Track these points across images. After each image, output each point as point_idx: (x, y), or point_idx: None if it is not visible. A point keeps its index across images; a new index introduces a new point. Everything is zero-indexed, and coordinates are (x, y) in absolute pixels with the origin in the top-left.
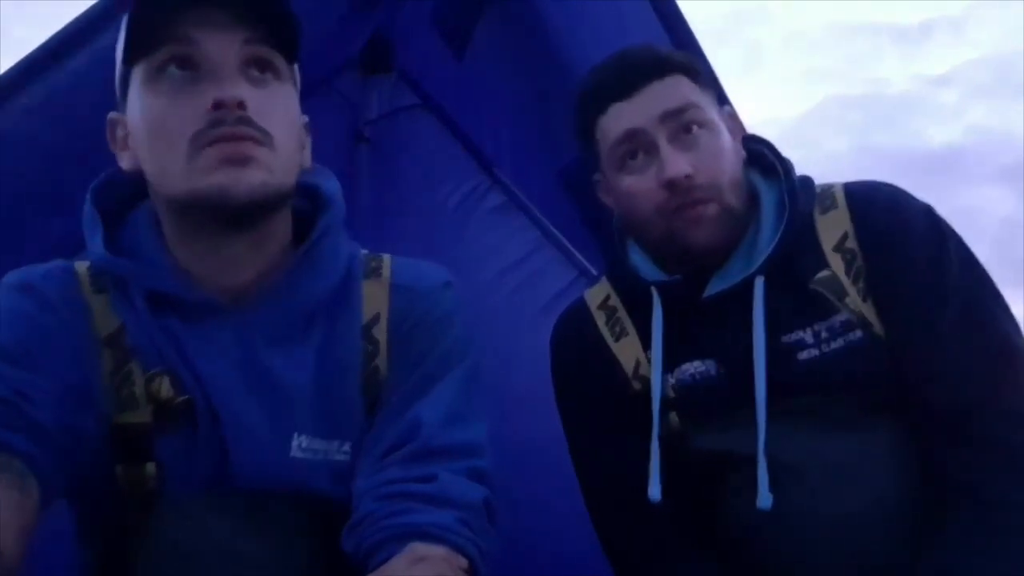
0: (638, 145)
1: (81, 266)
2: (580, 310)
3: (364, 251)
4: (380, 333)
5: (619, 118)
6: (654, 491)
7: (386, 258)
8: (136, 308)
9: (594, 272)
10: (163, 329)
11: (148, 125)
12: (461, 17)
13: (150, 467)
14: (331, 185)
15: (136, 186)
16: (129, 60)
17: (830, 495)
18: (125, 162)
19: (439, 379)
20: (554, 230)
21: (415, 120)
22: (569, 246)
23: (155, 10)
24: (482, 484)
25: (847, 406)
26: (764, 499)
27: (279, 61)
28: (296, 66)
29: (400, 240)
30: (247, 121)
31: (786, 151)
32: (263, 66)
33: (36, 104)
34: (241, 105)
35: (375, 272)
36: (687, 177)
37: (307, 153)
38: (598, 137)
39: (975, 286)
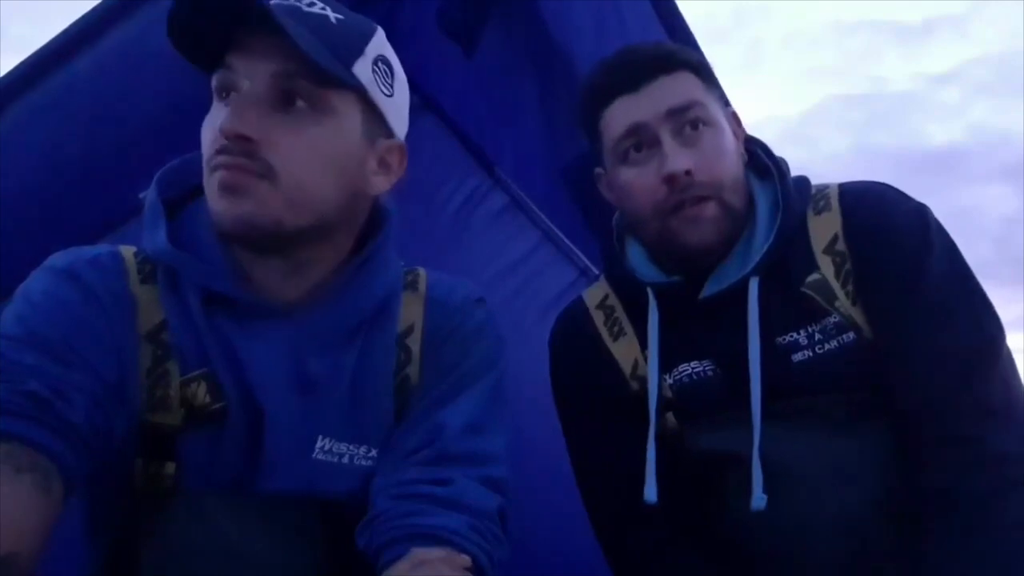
0: (641, 139)
1: (128, 252)
2: (578, 309)
3: (402, 264)
4: (414, 343)
5: (624, 111)
6: (650, 493)
7: (422, 272)
8: (185, 303)
9: (595, 271)
10: (213, 328)
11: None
12: (469, 15)
13: (169, 466)
14: (387, 201)
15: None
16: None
17: (825, 495)
18: None
19: (465, 389)
20: (556, 230)
21: (416, 120)
22: (571, 245)
23: (196, 37)
24: (497, 492)
25: (841, 407)
26: (758, 500)
27: (317, 93)
28: (384, 92)
29: (400, 241)
30: (248, 154)
31: (787, 150)
32: (293, 98)
33: (39, 106)
34: (244, 138)
35: (412, 285)
36: (687, 173)
37: (381, 179)
38: (602, 129)
39: (956, 289)
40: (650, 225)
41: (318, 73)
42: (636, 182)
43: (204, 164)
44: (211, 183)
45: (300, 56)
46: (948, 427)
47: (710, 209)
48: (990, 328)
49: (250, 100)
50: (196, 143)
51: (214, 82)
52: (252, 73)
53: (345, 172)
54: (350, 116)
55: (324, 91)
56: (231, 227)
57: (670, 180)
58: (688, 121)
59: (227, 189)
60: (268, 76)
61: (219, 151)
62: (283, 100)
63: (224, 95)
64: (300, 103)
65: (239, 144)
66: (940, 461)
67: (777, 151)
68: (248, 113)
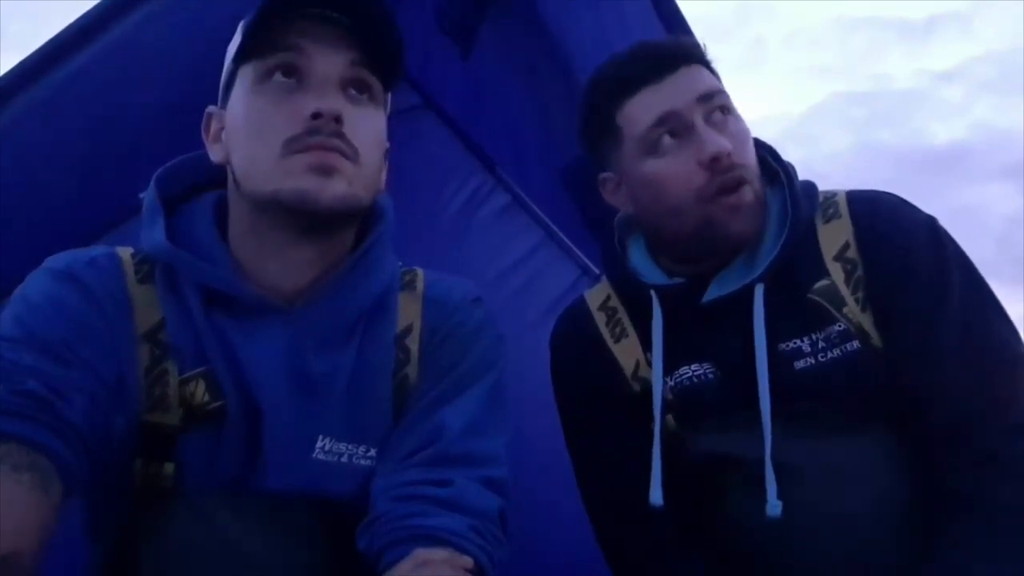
0: (673, 128)
1: (125, 253)
2: (580, 310)
3: (399, 263)
4: (412, 343)
5: (652, 101)
6: (655, 496)
7: (420, 272)
8: (183, 301)
9: (596, 271)
10: (211, 325)
11: (247, 123)
12: (466, 17)
13: (169, 467)
14: (384, 199)
15: (203, 177)
16: (239, 59)
17: (831, 498)
18: (215, 154)
19: (464, 389)
20: (557, 230)
21: (417, 121)
22: (572, 246)
23: (273, 18)
24: (497, 494)
25: (841, 414)
26: (773, 507)
27: (377, 86)
28: (390, 94)
29: (403, 241)
30: (340, 135)
31: (790, 147)
32: (362, 87)
33: (38, 105)
34: (338, 119)
35: (410, 284)
36: (729, 154)
37: (383, 176)
38: (621, 124)
39: (975, 299)
40: (689, 215)
41: (389, 66)
42: (670, 170)
43: (279, 145)
44: (297, 162)
45: (369, 48)
46: (975, 441)
47: (748, 194)
48: (1010, 338)
49: (332, 84)
50: (196, 141)
51: (273, 62)
52: (330, 59)
53: (381, 162)
54: (385, 111)
55: (378, 83)
56: (325, 206)
57: (714, 161)
58: (717, 107)
59: (322, 170)
60: (346, 63)
61: (309, 131)
62: (354, 87)
63: (290, 77)
64: (365, 94)
65: (332, 126)
66: (967, 471)
67: (779, 149)
68: (336, 96)
